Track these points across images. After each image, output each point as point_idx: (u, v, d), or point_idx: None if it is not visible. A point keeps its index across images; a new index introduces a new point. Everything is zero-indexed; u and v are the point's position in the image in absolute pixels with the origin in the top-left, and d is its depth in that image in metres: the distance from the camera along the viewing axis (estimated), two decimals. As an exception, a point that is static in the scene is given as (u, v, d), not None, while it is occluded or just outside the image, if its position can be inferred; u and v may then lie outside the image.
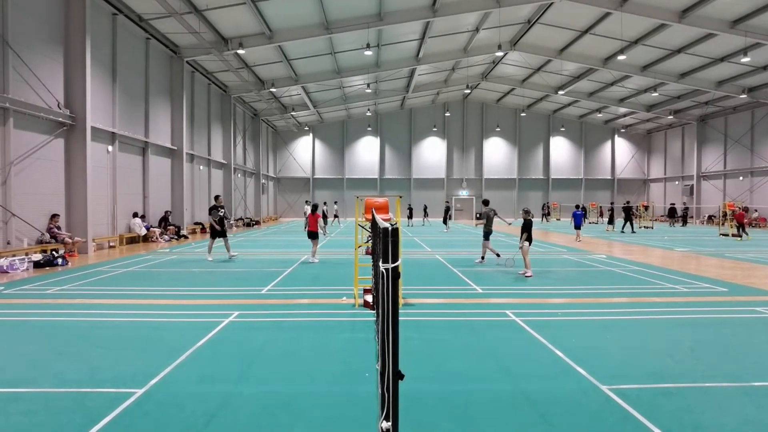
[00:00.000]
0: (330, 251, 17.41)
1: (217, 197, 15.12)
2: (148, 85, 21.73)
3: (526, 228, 11.87)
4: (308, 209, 29.65)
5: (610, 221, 31.28)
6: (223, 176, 32.57)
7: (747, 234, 24.04)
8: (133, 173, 20.77)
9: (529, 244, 11.86)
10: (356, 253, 8.80)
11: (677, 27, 24.04)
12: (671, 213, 40.38)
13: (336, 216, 36.84)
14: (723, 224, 28.99)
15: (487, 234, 13.86)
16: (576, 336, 6.51)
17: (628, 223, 28.57)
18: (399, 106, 46.55)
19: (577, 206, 25.47)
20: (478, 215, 14.45)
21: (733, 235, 25.23)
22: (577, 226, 22.42)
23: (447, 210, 30.97)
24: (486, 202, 14.80)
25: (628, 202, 30.09)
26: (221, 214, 14.65)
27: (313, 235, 14.15)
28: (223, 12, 20.66)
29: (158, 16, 19.72)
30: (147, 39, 21.34)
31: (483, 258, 14.05)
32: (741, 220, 24.14)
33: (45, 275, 11.65)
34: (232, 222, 31.89)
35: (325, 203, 31.46)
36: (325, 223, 29.38)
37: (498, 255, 14.32)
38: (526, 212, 12.19)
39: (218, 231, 14.53)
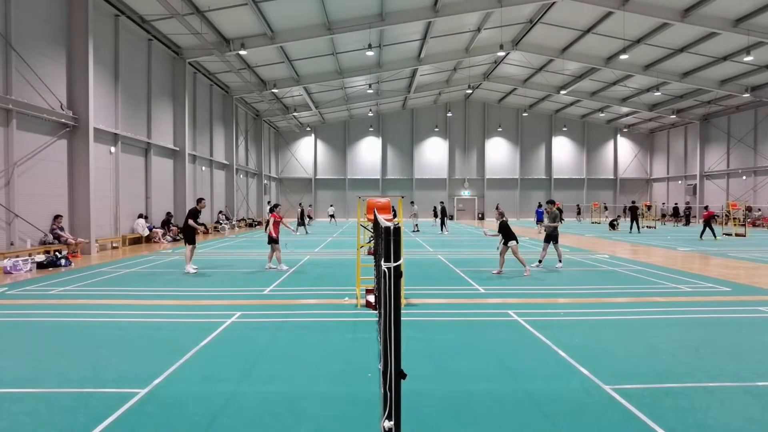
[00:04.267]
0: (332, 252, 17.43)
1: (201, 200, 12.98)
2: (150, 86, 21.78)
3: (503, 229, 11.83)
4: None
5: (612, 225, 30.71)
6: (225, 177, 32.63)
7: (715, 236, 22.96)
8: (135, 174, 20.82)
9: (516, 243, 11.73)
10: (358, 253, 8.80)
11: (680, 26, 23.98)
12: (676, 212, 40.27)
13: (332, 216, 36.75)
14: (726, 224, 28.88)
15: (556, 237, 12.88)
16: (579, 336, 6.49)
17: (634, 223, 28.40)
18: (401, 106, 46.55)
19: (540, 204, 32.41)
20: (550, 218, 13.01)
21: (737, 234, 25.15)
22: (540, 221, 27.93)
23: (443, 211, 28.51)
24: (553, 202, 13.61)
25: (633, 202, 29.95)
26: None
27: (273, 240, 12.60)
28: (224, 13, 20.69)
29: (160, 18, 19.77)
30: (149, 40, 21.39)
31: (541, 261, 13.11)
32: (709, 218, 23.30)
33: (48, 276, 11.68)
34: (234, 222, 31.94)
35: (300, 204, 31.55)
36: (304, 223, 28.84)
37: (540, 262, 13.18)
38: (501, 214, 12.16)
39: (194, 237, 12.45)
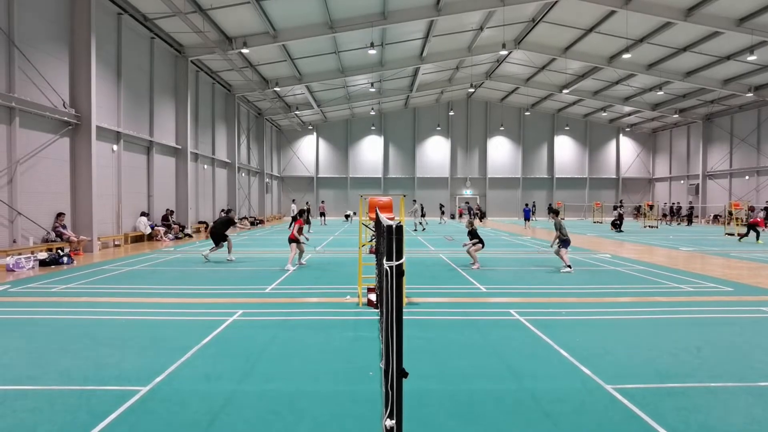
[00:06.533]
0: (334, 250, 17.43)
1: (230, 211, 15.92)
2: (152, 85, 21.79)
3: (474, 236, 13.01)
4: (294, 207, 29.86)
5: (614, 224, 30.47)
6: (227, 175, 32.65)
7: (758, 238, 22.27)
8: (137, 172, 20.84)
9: (482, 246, 13.00)
10: (360, 252, 8.80)
11: (683, 25, 23.90)
12: (671, 211, 40.27)
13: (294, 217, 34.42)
14: (728, 223, 28.81)
15: (566, 242, 12.57)
16: (581, 335, 6.48)
17: (619, 222, 28.63)
18: (403, 105, 46.52)
19: (527, 204, 36.46)
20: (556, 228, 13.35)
21: (739, 234, 25.04)
22: (527, 219, 32.21)
23: (470, 210, 29.72)
24: (557, 213, 14.03)
25: (621, 201, 30.04)
26: None
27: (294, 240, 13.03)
28: (227, 11, 20.69)
29: (163, 16, 19.78)
30: (152, 38, 21.40)
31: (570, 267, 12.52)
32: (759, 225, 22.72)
33: (50, 273, 11.71)
34: (236, 221, 31.91)
35: (307, 203, 31.08)
36: (309, 222, 28.53)
37: (569, 266, 12.61)
38: (471, 222, 13.82)
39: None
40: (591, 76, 34.71)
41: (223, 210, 31.04)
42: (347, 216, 38.54)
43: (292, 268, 12.55)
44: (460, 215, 43.49)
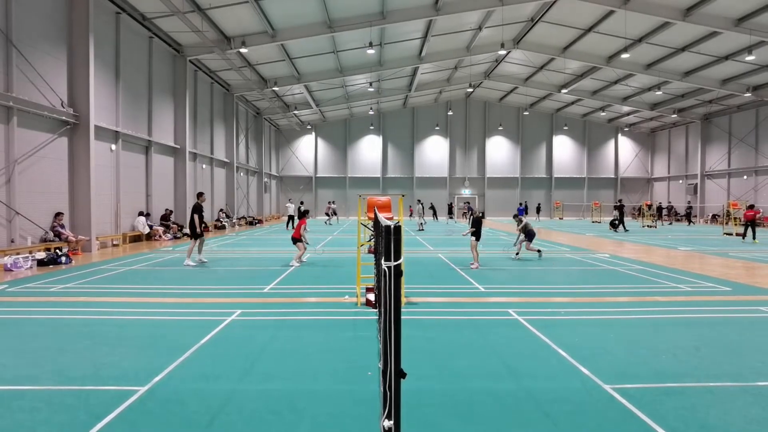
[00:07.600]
0: (333, 250, 17.42)
1: (201, 194, 14.03)
2: (151, 84, 21.75)
3: (475, 224, 13.04)
4: (290, 207, 29.72)
5: (612, 224, 30.23)
6: (225, 175, 32.61)
7: (754, 237, 22.07)
8: (136, 172, 20.81)
9: (477, 240, 12.77)
10: (359, 251, 8.80)
11: (681, 25, 23.93)
12: (660, 211, 40.39)
13: (291, 217, 31.13)
14: (727, 223, 28.85)
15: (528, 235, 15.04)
16: (579, 335, 6.49)
17: (621, 222, 28.50)
18: (401, 104, 46.51)
19: (521, 204, 36.81)
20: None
21: (738, 234, 25.10)
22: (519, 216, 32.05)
23: (470, 209, 30.16)
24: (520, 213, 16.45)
25: (620, 201, 29.95)
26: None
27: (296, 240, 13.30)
28: (225, 11, 20.67)
29: (161, 15, 19.74)
30: (150, 38, 21.36)
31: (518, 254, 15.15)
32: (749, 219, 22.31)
33: (49, 273, 11.68)
34: (234, 221, 31.93)
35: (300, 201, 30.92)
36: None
37: (539, 251, 15.22)
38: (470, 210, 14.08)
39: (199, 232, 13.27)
40: (590, 76, 34.74)
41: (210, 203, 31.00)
42: (334, 211, 36.13)
43: (297, 264, 12.93)
44: (410, 214, 41.22)
